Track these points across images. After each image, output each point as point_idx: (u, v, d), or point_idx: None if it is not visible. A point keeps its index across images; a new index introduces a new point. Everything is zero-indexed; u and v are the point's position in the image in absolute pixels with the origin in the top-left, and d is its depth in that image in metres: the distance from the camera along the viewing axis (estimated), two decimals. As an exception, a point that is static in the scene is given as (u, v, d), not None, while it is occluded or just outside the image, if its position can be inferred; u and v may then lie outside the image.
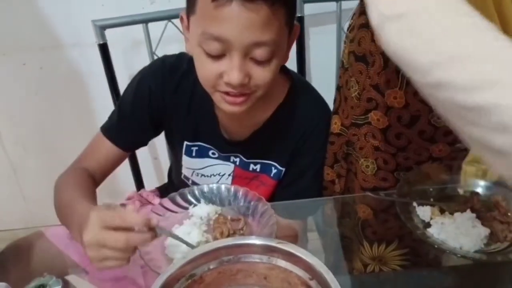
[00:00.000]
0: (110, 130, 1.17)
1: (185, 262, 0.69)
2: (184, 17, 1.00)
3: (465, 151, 0.97)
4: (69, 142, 1.83)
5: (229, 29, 0.89)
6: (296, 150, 1.14)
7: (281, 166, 1.15)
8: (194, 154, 1.19)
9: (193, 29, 0.96)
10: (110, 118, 1.20)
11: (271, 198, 1.17)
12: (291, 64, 1.56)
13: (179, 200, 0.99)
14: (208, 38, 0.91)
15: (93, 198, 1.04)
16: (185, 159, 1.21)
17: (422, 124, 0.97)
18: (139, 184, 1.67)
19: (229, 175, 1.18)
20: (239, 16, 0.87)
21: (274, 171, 1.16)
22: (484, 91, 0.53)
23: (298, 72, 1.57)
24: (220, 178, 1.19)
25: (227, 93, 0.96)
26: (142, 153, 1.59)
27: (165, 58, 1.18)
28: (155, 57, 1.49)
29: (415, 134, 0.98)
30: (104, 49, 1.46)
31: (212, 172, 1.19)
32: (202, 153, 1.19)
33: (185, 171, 1.24)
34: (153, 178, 1.96)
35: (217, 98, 0.99)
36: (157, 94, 1.13)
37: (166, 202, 0.98)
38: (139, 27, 1.47)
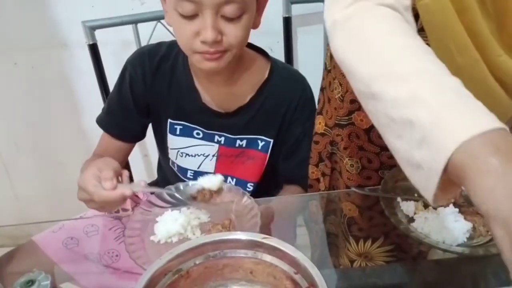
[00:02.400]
0: (103, 122, 1.25)
1: (172, 257, 0.70)
2: None
3: None
4: (60, 141, 1.85)
5: None
6: (285, 121, 1.19)
7: (268, 138, 1.20)
8: (178, 132, 1.23)
9: None
10: (102, 109, 1.28)
11: (264, 172, 1.23)
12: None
13: (166, 197, 1.00)
14: (181, 0, 0.97)
15: None
16: (169, 138, 1.25)
17: None
18: (129, 180, 1.68)
19: (213, 155, 1.22)
20: None
21: (261, 143, 1.20)
22: (409, 106, 0.57)
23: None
24: (204, 159, 1.23)
25: (204, 54, 1.02)
26: (132, 151, 1.61)
27: (145, 46, 1.28)
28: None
29: None
30: (94, 49, 1.47)
31: (196, 152, 1.23)
32: (186, 132, 1.22)
33: (171, 155, 1.27)
34: (143, 175, 1.97)
35: (196, 59, 1.05)
36: (138, 79, 1.19)
37: (153, 198, 0.99)
38: (129, 28, 1.49)
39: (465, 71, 0.78)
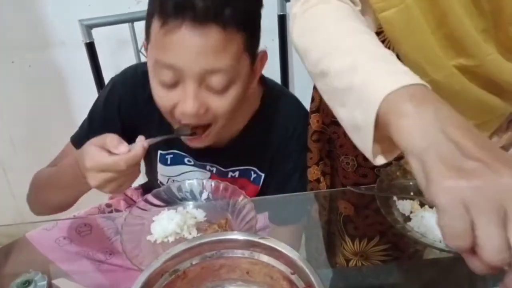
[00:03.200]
0: (79, 139, 1.11)
1: (168, 257, 0.70)
2: (145, 45, 0.97)
3: None
4: (57, 140, 1.84)
5: (180, 56, 0.85)
6: (278, 155, 1.13)
7: (260, 171, 1.14)
8: (169, 162, 1.17)
9: (149, 57, 0.93)
10: (80, 127, 1.17)
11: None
12: (275, 59, 1.58)
13: (164, 195, 0.99)
14: (160, 66, 0.88)
15: None
16: (160, 167, 1.19)
17: None
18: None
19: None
20: (190, 42, 0.84)
21: (253, 175, 1.15)
22: (349, 74, 0.64)
23: (281, 69, 1.61)
24: None
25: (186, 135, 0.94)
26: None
27: (137, 66, 1.15)
28: (141, 56, 1.51)
29: None
30: (91, 48, 1.48)
31: (189, 177, 1.15)
32: (177, 161, 1.16)
33: (161, 178, 1.21)
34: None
35: (179, 129, 0.97)
36: (128, 103, 1.10)
37: (150, 197, 0.99)
38: (125, 26, 1.49)
39: (441, 84, 0.82)
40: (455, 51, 0.82)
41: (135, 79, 1.09)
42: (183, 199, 0.99)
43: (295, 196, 1.10)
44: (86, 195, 1.07)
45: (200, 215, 0.94)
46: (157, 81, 0.91)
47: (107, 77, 1.50)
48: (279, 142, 1.11)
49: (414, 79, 0.59)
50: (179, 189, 0.99)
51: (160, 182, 1.22)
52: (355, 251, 0.95)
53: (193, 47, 0.84)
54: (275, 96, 1.13)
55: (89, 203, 1.19)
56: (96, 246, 1.06)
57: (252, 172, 1.15)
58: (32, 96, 1.84)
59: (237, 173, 1.15)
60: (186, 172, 1.17)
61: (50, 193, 1.05)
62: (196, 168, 1.17)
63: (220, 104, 0.91)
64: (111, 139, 0.83)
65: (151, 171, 1.25)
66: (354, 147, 1.05)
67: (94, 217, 1.14)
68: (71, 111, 1.85)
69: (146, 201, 0.97)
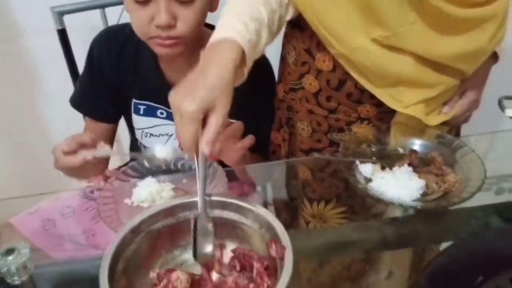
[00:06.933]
0: (75, 102, 1.28)
1: (143, 218, 0.75)
2: None
3: (391, 113, 1.04)
4: (32, 129, 1.87)
5: None
6: (246, 99, 1.19)
7: (231, 119, 1.20)
8: (142, 112, 1.25)
9: None
10: (75, 91, 1.32)
11: None
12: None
13: (139, 167, 1.04)
14: None
15: None
16: (134, 118, 1.27)
17: (349, 87, 1.04)
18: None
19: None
20: None
21: None
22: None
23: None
24: (168, 138, 1.26)
25: (159, 39, 1.04)
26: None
27: (109, 26, 1.32)
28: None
29: (343, 96, 1.06)
30: (63, 34, 1.49)
31: (161, 131, 1.26)
32: (150, 112, 1.25)
33: (137, 135, 1.30)
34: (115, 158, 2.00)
35: (152, 44, 1.08)
36: (105, 58, 1.21)
37: (128, 170, 1.03)
38: (97, 13, 1.51)
39: (352, 56, 0.95)
40: (374, 22, 0.90)
41: (108, 37, 1.23)
42: (159, 168, 1.03)
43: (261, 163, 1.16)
44: (67, 181, 1.14)
45: (176, 183, 0.99)
46: (132, 0, 1.03)
47: (80, 64, 1.52)
48: (248, 89, 1.18)
49: (228, 32, 0.81)
50: (153, 158, 1.03)
51: (140, 143, 1.31)
52: (314, 213, 1.00)
53: None
54: None
55: (71, 185, 1.22)
56: (80, 227, 1.09)
57: None
58: (5, 85, 1.85)
59: None
60: (158, 125, 1.25)
61: None
62: (168, 121, 1.25)
63: (188, 15, 1.04)
64: (67, 140, 0.98)
65: (130, 126, 1.33)
66: (309, 113, 1.12)
67: (77, 199, 1.15)
68: (45, 98, 1.86)
69: (123, 172, 1.03)
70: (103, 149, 0.99)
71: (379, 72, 0.96)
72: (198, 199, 0.75)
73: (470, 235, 0.86)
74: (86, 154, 0.97)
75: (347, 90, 1.04)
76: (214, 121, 0.71)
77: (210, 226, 0.76)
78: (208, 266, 0.74)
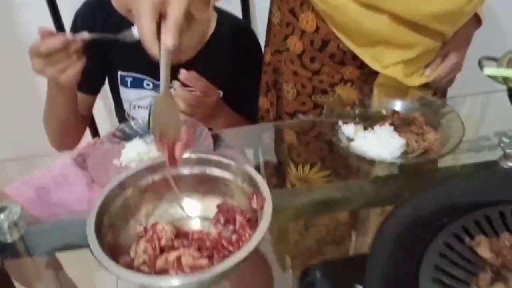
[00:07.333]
0: None
1: (131, 174, 0.77)
2: None
3: (374, 74, 1.07)
4: (23, 102, 1.87)
5: None
6: (234, 73, 1.24)
7: (218, 89, 1.23)
8: (129, 84, 1.27)
9: None
10: None
11: None
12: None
13: (128, 130, 1.06)
14: None
15: None
16: (122, 90, 1.29)
17: (332, 48, 1.06)
18: (95, 134, 1.74)
19: None
20: None
21: None
22: None
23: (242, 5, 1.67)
24: None
25: None
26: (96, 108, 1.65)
27: None
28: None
29: (326, 57, 1.08)
30: (53, 7, 1.51)
31: (148, 103, 1.27)
32: (137, 84, 1.26)
33: (126, 107, 1.32)
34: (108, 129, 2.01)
35: (132, 18, 1.07)
36: (89, 29, 1.17)
37: (116, 133, 1.05)
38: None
39: (333, 13, 0.98)
40: None
41: (92, 5, 1.23)
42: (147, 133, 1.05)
43: (248, 127, 1.19)
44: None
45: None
46: None
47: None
48: (234, 62, 1.21)
49: None
50: (142, 122, 1.06)
51: (127, 114, 1.32)
52: (299, 177, 1.02)
53: None
54: (228, 20, 1.26)
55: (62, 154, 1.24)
56: (73, 195, 1.11)
57: None
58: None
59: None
60: (146, 97, 1.27)
61: (50, 118, 1.20)
62: (154, 92, 1.27)
63: None
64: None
65: (117, 98, 1.34)
66: (294, 74, 1.14)
67: (70, 168, 1.17)
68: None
69: (113, 135, 1.05)
70: (82, 34, 1.00)
71: (357, 29, 0.98)
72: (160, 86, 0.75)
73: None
74: (67, 35, 0.98)
75: (330, 51, 1.06)
76: (172, 14, 0.71)
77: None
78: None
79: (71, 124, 1.21)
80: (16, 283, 0.77)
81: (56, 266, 0.93)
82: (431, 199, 0.60)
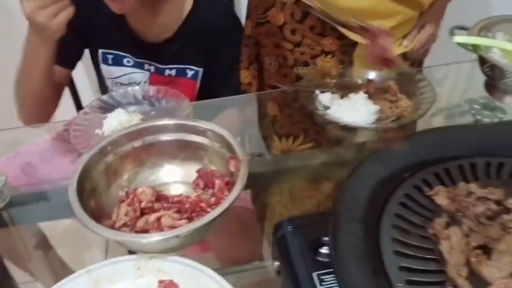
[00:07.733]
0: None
1: (111, 139, 0.79)
2: None
3: (354, 45, 1.09)
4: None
5: None
6: (213, 49, 1.24)
7: (197, 67, 1.25)
8: (110, 62, 1.28)
9: None
10: None
11: (196, 99, 1.29)
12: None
13: (110, 101, 1.07)
14: None
15: None
16: (103, 68, 1.30)
17: (312, 20, 1.08)
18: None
19: (144, 82, 1.28)
20: None
21: (190, 72, 1.26)
22: None
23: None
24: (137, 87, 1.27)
25: None
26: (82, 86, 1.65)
27: None
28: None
29: (307, 29, 1.10)
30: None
31: (129, 80, 1.30)
32: (117, 61, 1.28)
33: (108, 84, 1.33)
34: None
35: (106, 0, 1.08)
36: (83, 11, 1.17)
37: (98, 103, 1.06)
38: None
39: None
40: None
41: None
42: (128, 104, 1.07)
43: (230, 99, 1.20)
44: (40, 132, 1.18)
45: (144, 114, 1.04)
46: None
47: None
48: (214, 39, 1.22)
49: None
50: (124, 94, 1.07)
51: (111, 91, 1.33)
52: (283, 149, 1.05)
53: None
54: None
55: (49, 130, 1.26)
56: (60, 170, 1.13)
57: (188, 70, 1.27)
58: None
59: (174, 71, 1.27)
60: (127, 74, 1.29)
61: (24, 83, 1.18)
62: (135, 69, 1.29)
63: None
64: None
65: (99, 75, 1.36)
66: (275, 47, 1.16)
67: (55, 143, 1.19)
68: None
69: (95, 106, 1.06)
70: None
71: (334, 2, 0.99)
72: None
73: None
74: None
75: (310, 23, 1.08)
76: None
77: None
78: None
79: (44, 90, 1.19)
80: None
81: (42, 242, 0.96)
82: (394, 155, 0.63)
